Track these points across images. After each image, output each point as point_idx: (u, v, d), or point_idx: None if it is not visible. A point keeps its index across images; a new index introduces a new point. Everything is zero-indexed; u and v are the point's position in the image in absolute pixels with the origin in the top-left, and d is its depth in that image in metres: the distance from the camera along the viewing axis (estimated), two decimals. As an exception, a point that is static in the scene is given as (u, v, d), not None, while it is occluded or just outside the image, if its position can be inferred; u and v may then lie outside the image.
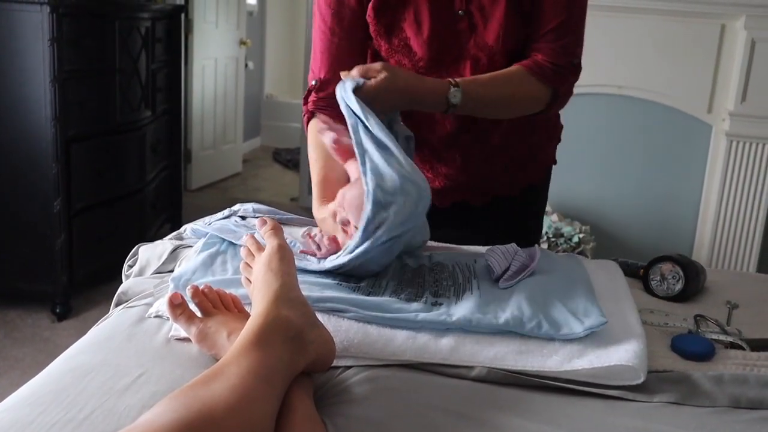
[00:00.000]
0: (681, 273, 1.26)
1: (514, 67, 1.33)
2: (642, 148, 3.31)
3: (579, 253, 2.96)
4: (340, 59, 1.36)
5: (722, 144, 3.17)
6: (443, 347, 0.95)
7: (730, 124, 3.12)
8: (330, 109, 1.34)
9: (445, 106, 1.25)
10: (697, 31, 3.13)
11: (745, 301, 1.27)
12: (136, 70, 3.42)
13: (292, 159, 6.28)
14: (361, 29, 1.37)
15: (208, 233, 1.31)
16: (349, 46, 1.37)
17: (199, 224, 1.41)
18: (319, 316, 0.95)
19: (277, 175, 6.12)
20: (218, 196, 5.26)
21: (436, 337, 0.97)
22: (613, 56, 3.21)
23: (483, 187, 1.52)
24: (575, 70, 1.38)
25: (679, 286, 1.25)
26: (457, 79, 1.26)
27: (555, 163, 1.65)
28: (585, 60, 1.41)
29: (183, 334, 0.98)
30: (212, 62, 5.33)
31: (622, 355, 0.93)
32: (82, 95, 3.00)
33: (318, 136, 1.31)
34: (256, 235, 1.08)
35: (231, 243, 1.25)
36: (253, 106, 6.81)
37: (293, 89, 7.52)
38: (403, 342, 0.96)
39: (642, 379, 0.92)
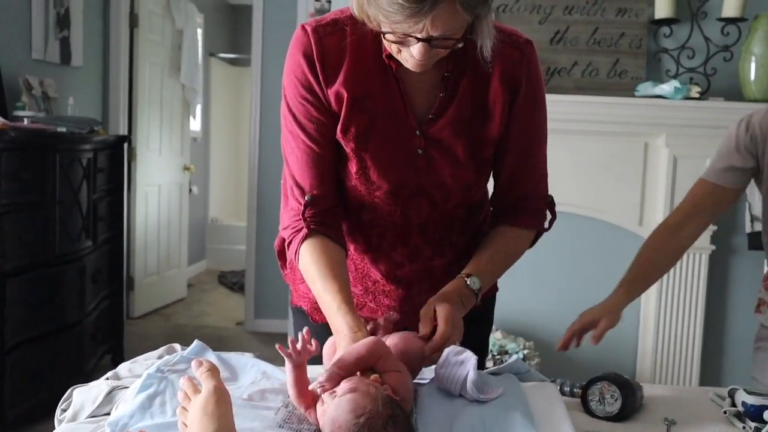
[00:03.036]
0: (618, 392, 1.27)
1: (506, 229, 1.46)
2: (580, 262, 3.39)
3: (525, 370, 2.97)
4: (327, 170, 1.37)
5: (655, 255, 3.27)
6: (384, 487, 0.94)
7: (661, 236, 3.23)
8: (327, 226, 1.36)
9: (474, 297, 1.36)
10: (623, 149, 3.30)
11: (682, 417, 1.29)
12: (77, 201, 3.41)
13: (238, 281, 6.24)
14: (336, 145, 1.38)
15: (145, 372, 1.28)
16: (333, 155, 1.37)
17: (137, 362, 1.38)
18: (258, 458, 0.93)
19: (222, 298, 6.05)
20: (162, 323, 5.16)
21: (376, 477, 0.96)
22: (549, 175, 3.33)
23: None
24: (551, 205, 1.52)
25: (616, 406, 1.27)
26: (466, 271, 1.38)
27: (497, 290, 1.67)
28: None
29: (117, 483, 0.95)
30: (156, 188, 5.35)
31: (562, 484, 0.93)
32: (20, 228, 2.97)
33: (325, 254, 1.33)
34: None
35: (169, 382, 1.22)
36: (198, 230, 6.81)
37: (238, 212, 7.58)
38: (343, 482, 0.94)
39: (583, 508, 0.92)
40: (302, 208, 1.35)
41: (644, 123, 3.19)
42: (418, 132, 1.34)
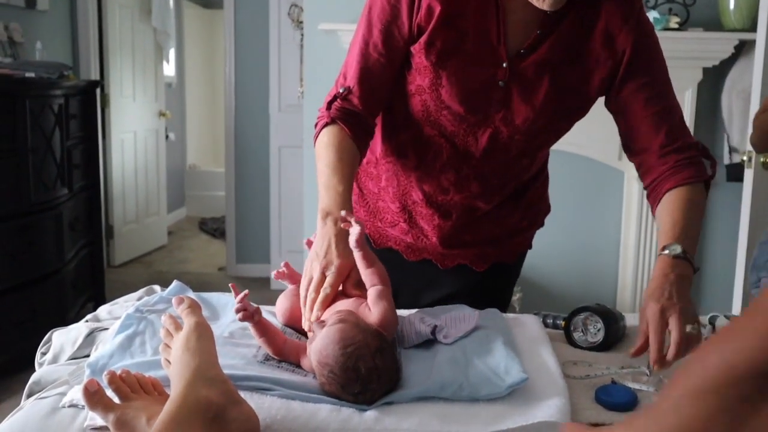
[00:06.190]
0: (601, 323, 1.27)
1: (683, 190, 1.29)
2: (561, 197, 3.38)
3: (507, 305, 2.99)
4: (374, 76, 1.34)
5: (635, 188, 3.28)
6: (368, 418, 0.94)
7: (641, 170, 3.23)
8: (352, 122, 1.33)
9: (683, 263, 1.18)
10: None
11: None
12: (50, 148, 3.35)
13: (219, 228, 6.22)
14: (402, 57, 1.35)
15: (125, 313, 1.27)
16: (387, 66, 1.34)
17: (117, 305, 1.37)
18: (242, 394, 0.93)
19: (203, 245, 6.03)
20: (143, 271, 5.14)
21: (359, 409, 0.96)
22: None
23: (451, 253, 1.52)
24: (704, 151, 1.35)
25: (599, 336, 1.27)
26: (667, 242, 1.20)
27: (530, 248, 1.65)
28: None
29: (100, 422, 0.94)
30: (131, 135, 5.27)
31: (545, 411, 0.94)
32: (-7, 177, 2.91)
33: (344, 141, 1.31)
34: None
35: (149, 322, 1.21)
36: (177, 177, 6.74)
37: (216, 158, 7.50)
38: (327, 416, 0.94)
39: (567, 434, 0.92)
40: (333, 98, 1.35)
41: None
42: (505, 64, 1.30)
